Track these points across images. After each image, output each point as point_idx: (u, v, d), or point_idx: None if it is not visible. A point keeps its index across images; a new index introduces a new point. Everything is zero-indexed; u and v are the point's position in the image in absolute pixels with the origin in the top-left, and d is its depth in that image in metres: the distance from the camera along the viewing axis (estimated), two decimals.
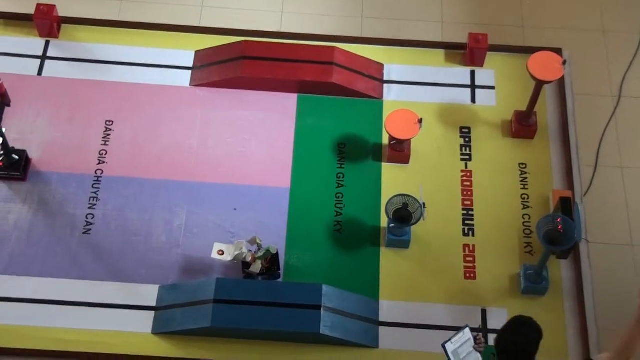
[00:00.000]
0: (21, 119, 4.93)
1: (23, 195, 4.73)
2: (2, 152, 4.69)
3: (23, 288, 4.43)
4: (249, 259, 4.36)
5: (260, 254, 4.38)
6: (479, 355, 3.69)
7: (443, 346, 3.70)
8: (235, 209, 4.71)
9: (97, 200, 4.73)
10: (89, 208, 4.70)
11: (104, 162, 4.86)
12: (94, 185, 4.78)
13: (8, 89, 4.56)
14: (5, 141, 4.62)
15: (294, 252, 4.59)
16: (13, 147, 4.74)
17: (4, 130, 4.57)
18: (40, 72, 5.16)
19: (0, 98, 4.54)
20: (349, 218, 4.70)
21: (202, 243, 4.58)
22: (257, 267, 4.37)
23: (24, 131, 4.90)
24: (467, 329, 3.75)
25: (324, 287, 4.33)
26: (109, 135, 4.95)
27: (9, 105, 4.60)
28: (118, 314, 4.38)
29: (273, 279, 4.46)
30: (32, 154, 4.84)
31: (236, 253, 4.35)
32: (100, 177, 4.81)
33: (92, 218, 4.67)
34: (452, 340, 3.71)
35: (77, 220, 4.67)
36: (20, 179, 4.76)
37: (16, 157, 4.75)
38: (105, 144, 4.92)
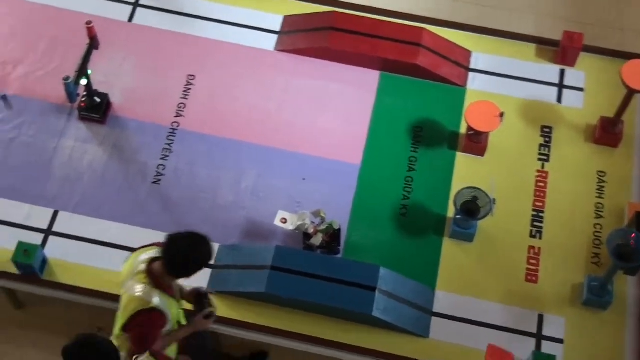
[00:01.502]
0: (107, 63, 4.96)
1: (100, 138, 4.77)
2: (85, 94, 4.73)
3: (90, 228, 4.50)
4: (310, 230, 4.32)
5: (322, 227, 4.34)
6: None
7: None
8: (304, 179, 4.67)
9: (170, 152, 4.75)
10: (161, 159, 4.72)
11: (181, 115, 4.86)
12: (169, 137, 4.79)
13: (98, 33, 4.59)
14: (89, 83, 4.66)
15: (356, 230, 4.53)
16: (96, 90, 4.78)
17: (90, 72, 4.61)
18: (130, 19, 5.18)
19: (90, 41, 4.57)
20: (415, 203, 4.61)
21: (267, 208, 4.55)
22: (317, 239, 4.33)
23: (108, 75, 4.93)
24: None
25: (382, 270, 4.27)
26: (189, 89, 4.95)
27: (97, 49, 4.64)
28: None
29: (332, 254, 4.42)
30: (114, 99, 4.88)
31: (299, 223, 4.31)
32: (176, 129, 4.82)
33: (163, 169, 4.69)
34: None
35: (149, 169, 4.69)
36: (99, 122, 4.80)
37: (98, 100, 4.79)
38: (184, 98, 4.92)
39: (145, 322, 3.57)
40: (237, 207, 4.59)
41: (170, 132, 4.80)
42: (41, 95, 4.86)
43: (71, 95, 4.52)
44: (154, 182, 4.65)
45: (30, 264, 4.24)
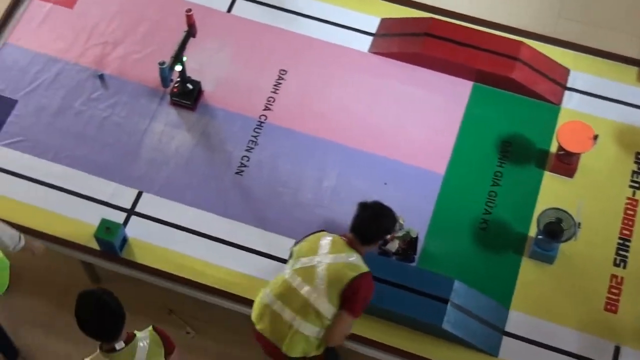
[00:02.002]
0: (203, 51, 5.07)
1: (189, 124, 4.89)
2: (179, 79, 4.85)
3: (171, 212, 4.60)
4: (387, 236, 4.33)
5: (400, 234, 4.34)
6: None
7: None
8: (385, 184, 4.68)
9: (255, 144, 4.82)
10: (246, 150, 4.80)
11: (269, 109, 4.93)
12: (256, 130, 4.87)
13: (197, 21, 4.70)
14: (184, 69, 4.78)
15: (433, 239, 4.51)
16: (189, 77, 4.90)
17: (185, 59, 4.72)
18: (230, 10, 5.28)
19: (188, 28, 4.69)
20: (496, 218, 4.56)
21: (345, 208, 4.54)
22: (393, 246, 4.34)
23: (203, 63, 5.04)
24: None
25: (456, 282, 4.24)
26: (280, 84, 5.02)
27: (194, 36, 4.75)
28: (253, 259, 4.46)
29: (407, 261, 4.41)
30: (206, 87, 4.99)
31: None
32: (263, 122, 4.89)
33: (247, 160, 4.77)
34: None
35: (233, 160, 4.78)
36: (189, 108, 4.92)
37: (190, 87, 4.91)
38: (274, 92, 4.99)
39: (365, 285, 3.72)
40: (316, 205, 4.63)
41: (257, 125, 4.88)
42: (136, 78, 5.01)
43: (165, 80, 4.65)
44: (237, 173, 4.74)
45: (111, 241, 4.38)
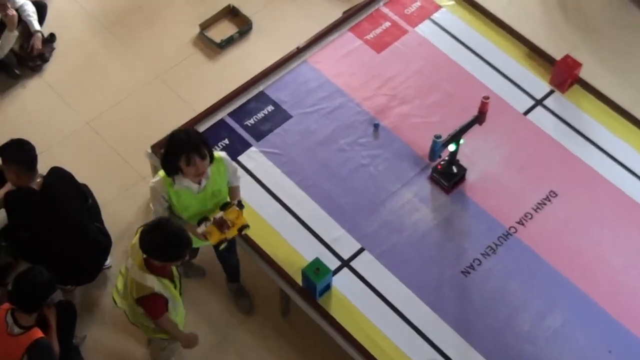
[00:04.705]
0: (482, 141, 5.19)
1: (437, 204, 5.02)
2: (447, 159, 5.00)
3: (382, 281, 4.75)
4: None
5: None
6: None
7: None
8: (610, 352, 4.49)
9: (493, 252, 4.84)
10: (482, 254, 4.83)
11: (523, 224, 4.93)
12: (500, 238, 4.89)
13: (489, 111, 4.81)
14: (456, 151, 4.93)
15: None
16: (458, 160, 5.04)
17: (462, 142, 4.86)
18: (527, 113, 5.37)
19: (478, 114, 4.82)
20: None
21: (553, 357, 4.42)
22: None
23: (476, 153, 5.17)
24: None
25: None
26: (545, 204, 5.00)
27: (480, 124, 4.88)
28: None
29: None
30: (469, 176, 5.10)
31: None
32: (511, 234, 4.90)
33: (479, 265, 4.79)
34: None
35: (465, 257, 4.84)
36: (445, 190, 5.07)
37: (455, 170, 5.05)
38: (535, 210, 4.98)
39: None
40: (528, 339, 4.55)
41: (503, 234, 4.90)
42: (407, 140, 5.25)
43: (434, 153, 4.83)
44: (462, 272, 4.78)
45: (315, 283, 4.60)
